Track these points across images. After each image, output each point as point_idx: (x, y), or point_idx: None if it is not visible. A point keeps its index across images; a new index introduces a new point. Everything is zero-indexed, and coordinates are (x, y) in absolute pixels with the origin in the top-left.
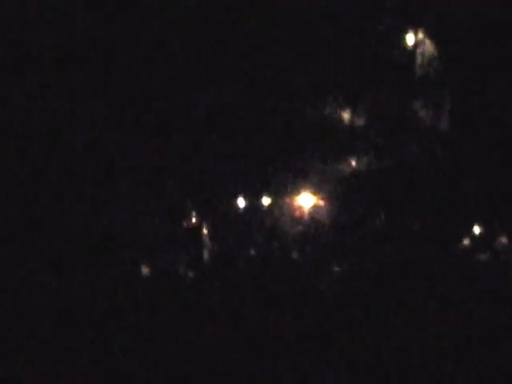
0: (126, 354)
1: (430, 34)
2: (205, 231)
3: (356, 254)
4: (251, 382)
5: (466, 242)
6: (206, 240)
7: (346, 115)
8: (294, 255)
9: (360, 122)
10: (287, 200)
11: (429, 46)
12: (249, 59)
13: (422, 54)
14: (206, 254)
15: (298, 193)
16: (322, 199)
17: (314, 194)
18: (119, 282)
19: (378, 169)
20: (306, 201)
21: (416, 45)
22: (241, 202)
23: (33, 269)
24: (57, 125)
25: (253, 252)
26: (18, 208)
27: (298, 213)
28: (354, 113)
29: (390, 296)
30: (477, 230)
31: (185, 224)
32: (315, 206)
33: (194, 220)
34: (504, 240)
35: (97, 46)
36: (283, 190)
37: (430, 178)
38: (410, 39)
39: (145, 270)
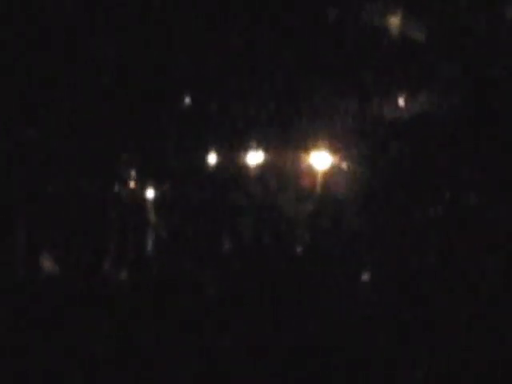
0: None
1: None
2: None
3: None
4: None
5: None
6: None
7: None
8: (297, 249)
9: None
10: (290, 158)
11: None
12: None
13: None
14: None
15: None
16: (345, 160)
17: (333, 151)
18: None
19: None
20: (318, 162)
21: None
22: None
23: None
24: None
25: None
26: None
27: (305, 181)
28: None
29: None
30: None
31: None
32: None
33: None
34: None
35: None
36: (284, 142)
37: None
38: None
39: None
